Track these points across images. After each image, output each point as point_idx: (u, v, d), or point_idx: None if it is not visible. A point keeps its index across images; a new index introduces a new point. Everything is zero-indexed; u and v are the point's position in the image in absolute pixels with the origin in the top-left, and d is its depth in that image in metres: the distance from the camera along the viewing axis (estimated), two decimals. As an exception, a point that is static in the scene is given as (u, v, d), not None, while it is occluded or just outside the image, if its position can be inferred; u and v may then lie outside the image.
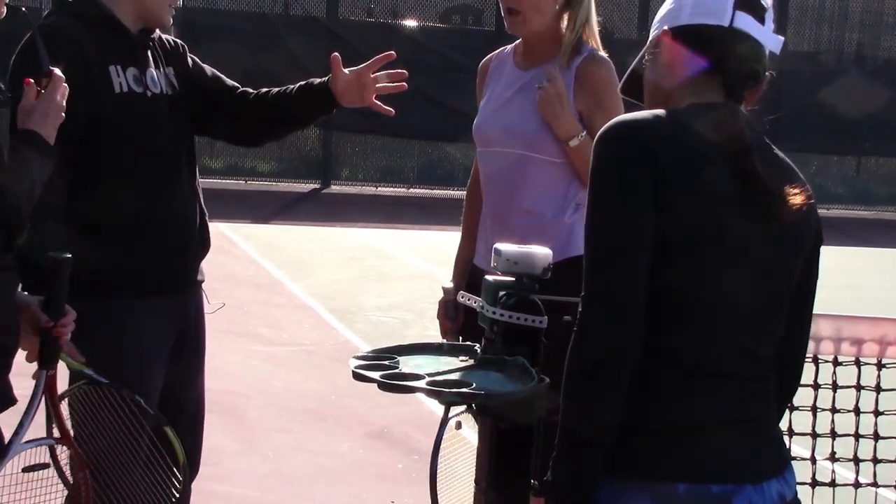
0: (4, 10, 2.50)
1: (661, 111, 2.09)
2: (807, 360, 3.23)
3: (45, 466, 2.81)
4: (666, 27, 2.15)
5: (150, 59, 3.16)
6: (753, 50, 2.12)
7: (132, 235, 3.08)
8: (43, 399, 2.77)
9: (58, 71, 2.62)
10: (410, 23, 16.92)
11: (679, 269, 1.98)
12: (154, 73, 3.14)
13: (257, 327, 7.72)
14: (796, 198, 2.03)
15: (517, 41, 3.58)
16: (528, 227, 3.39)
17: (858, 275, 11.31)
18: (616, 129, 2.04)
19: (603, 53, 3.44)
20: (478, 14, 17.71)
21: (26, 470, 2.77)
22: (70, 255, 2.76)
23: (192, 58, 3.34)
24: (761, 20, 2.13)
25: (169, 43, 3.29)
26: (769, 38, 2.14)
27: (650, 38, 2.19)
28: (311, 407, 6.15)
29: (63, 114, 2.62)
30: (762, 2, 2.16)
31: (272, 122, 3.39)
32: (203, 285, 3.35)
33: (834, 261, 12.61)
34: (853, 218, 16.69)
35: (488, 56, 3.66)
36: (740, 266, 2.01)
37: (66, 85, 2.63)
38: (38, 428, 2.80)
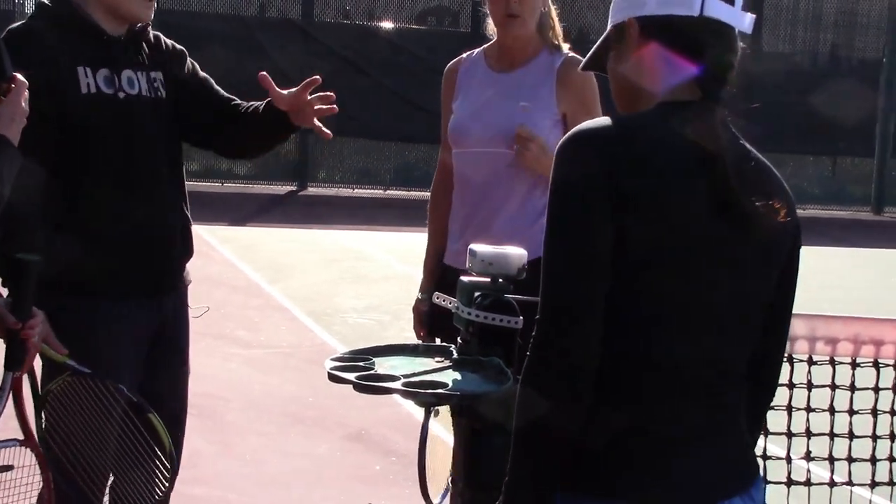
0: None
1: (625, 116, 2.00)
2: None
3: (8, 468, 2.80)
4: (630, 17, 2.01)
5: (132, 61, 3.13)
6: (728, 39, 2.00)
7: (106, 237, 3.07)
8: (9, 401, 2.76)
9: (20, 76, 2.62)
10: (386, 24, 16.92)
11: (649, 279, 1.89)
12: (133, 74, 3.11)
13: (235, 330, 7.70)
14: (771, 210, 1.93)
15: (486, 45, 3.63)
16: (506, 226, 3.41)
17: (834, 274, 11.37)
18: (576, 139, 1.93)
19: (576, 55, 3.49)
20: (454, 15, 17.72)
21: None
22: (39, 258, 2.76)
23: (191, 63, 3.31)
24: (730, 0, 2.00)
25: (167, 46, 3.26)
26: (740, 19, 2.01)
27: (610, 25, 2.06)
28: (289, 409, 6.13)
29: (26, 118, 2.62)
30: None
31: (253, 139, 3.35)
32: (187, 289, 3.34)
33: (809, 260, 12.69)
34: (829, 218, 16.80)
35: (455, 60, 3.70)
36: (711, 274, 1.91)
37: (27, 91, 2.63)
38: (8, 431, 2.80)
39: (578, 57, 3.48)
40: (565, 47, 3.56)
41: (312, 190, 16.19)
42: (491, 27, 3.60)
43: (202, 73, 3.34)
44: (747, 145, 2.03)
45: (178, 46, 3.33)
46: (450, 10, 17.80)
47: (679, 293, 1.90)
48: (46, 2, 3.14)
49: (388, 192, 16.39)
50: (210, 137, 3.35)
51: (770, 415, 3.28)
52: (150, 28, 3.23)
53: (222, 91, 3.36)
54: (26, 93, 2.62)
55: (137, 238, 3.10)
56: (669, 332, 1.91)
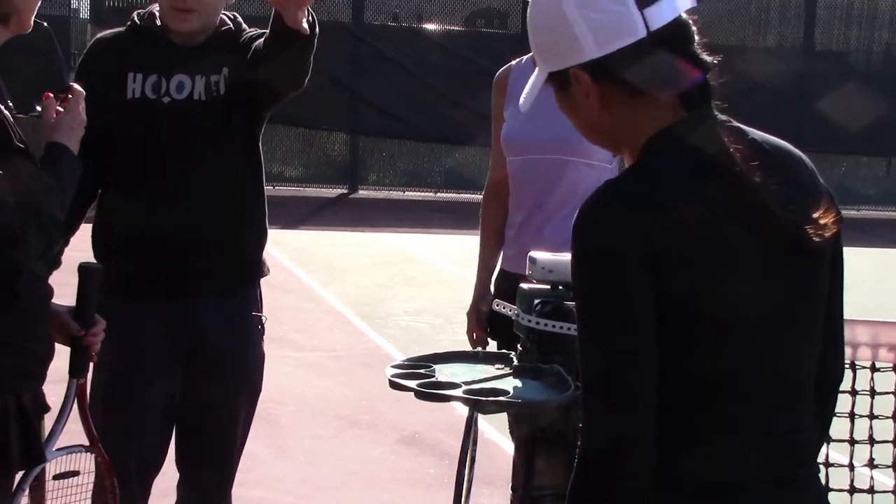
0: (32, 23, 2.53)
1: (636, 171, 1.78)
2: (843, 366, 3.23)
3: (74, 474, 2.84)
4: (572, 67, 1.78)
5: (190, 65, 3.13)
6: (683, 35, 1.77)
7: (124, 237, 3.12)
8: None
9: (77, 86, 2.68)
10: (435, 27, 16.95)
11: (701, 337, 1.73)
12: (185, 79, 3.12)
13: (288, 333, 7.74)
14: (823, 223, 1.75)
15: None
16: (561, 232, 3.40)
17: (890, 277, 11.22)
18: (595, 214, 1.72)
19: None
20: (503, 17, 17.72)
21: (56, 477, 2.82)
22: (101, 266, 2.80)
23: (248, 36, 3.16)
24: None
25: (245, 38, 3.19)
26: (682, 1, 1.78)
27: (544, 72, 1.84)
28: (343, 412, 6.16)
29: (84, 127, 2.67)
30: None
31: (268, 63, 3.01)
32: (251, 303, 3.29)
33: (864, 263, 12.56)
34: (884, 219, 16.58)
35: (504, 68, 3.69)
36: (773, 332, 1.77)
37: (83, 101, 2.68)
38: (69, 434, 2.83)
39: None
40: None
41: (363, 193, 16.24)
42: None
43: (258, 37, 3.13)
44: (765, 140, 1.83)
45: (258, 32, 3.20)
46: (499, 11, 17.81)
47: (736, 347, 1.75)
48: (135, 18, 3.23)
49: (438, 194, 16.41)
50: (261, 88, 3.13)
51: (832, 421, 3.25)
52: (234, 29, 3.21)
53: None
54: (83, 102, 2.67)
55: (153, 239, 3.11)
56: (735, 388, 1.76)
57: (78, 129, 2.64)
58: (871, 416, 3.28)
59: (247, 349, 3.27)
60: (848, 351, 3.22)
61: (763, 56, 17.41)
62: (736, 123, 1.81)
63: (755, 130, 1.84)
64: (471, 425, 2.50)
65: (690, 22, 1.79)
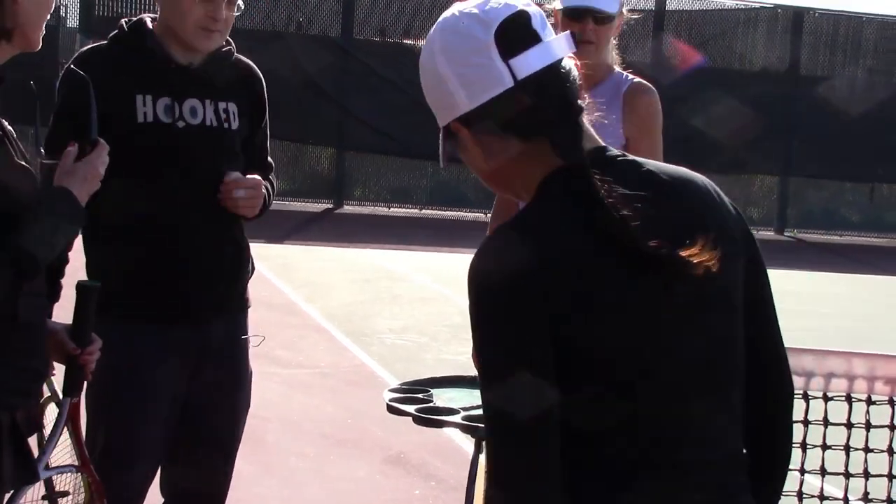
0: (40, 42, 2.48)
1: (521, 220, 1.77)
2: (840, 398, 3.23)
3: (64, 494, 2.81)
4: (452, 122, 1.83)
5: (200, 89, 3.11)
6: (555, 82, 1.77)
7: (135, 258, 3.07)
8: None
9: (103, 141, 2.64)
10: (423, 42, 16.96)
11: (603, 377, 1.70)
12: (197, 103, 3.09)
13: (273, 349, 7.70)
14: (693, 261, 1.69)
15: None
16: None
17: (873, 303, 11.27)
18: (488, 279, 1.71)
19: (643, 81, 3.50)
20: (491, 35, 17.75)
21: (46, 498, 2.78)
22: (98, 284, 2.76)
23: (265, 122, 3.35)
24: (535, 39, 1.77)
25: (247, 73, 3.26)
26: (554, 49, 1.78)
27: (440, 126, 1.88)
28: (328, 431, 6.12)
29: (100, 182, 2.62)
30: (524, 22, 1.78)
31: None
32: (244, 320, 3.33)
33: (848, 288, 12.63)
34: (866, 245, 16.68)
35: None
36: (669, 341, 1.73)
37: (107, 157, 2.64)
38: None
39: (645, 83, 3.50)
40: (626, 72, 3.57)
41: (349, 208, 16.22)
42: None
43: (265, 132, 3.38)
44: (663, 172, 1.81)
45: (255, 75, 3.29)
46: (487, 29, 17.83)
47: (639, 380, 1.71)
48: (124, 26, 3.14)
49: (423, 211, 16.41)
50: None
51: (828, 454, 3.25)
52: (232, 54, 3.21)
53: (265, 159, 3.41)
54: (106, 158, 2.63)
55: (164, 263, 3.08)
56: (656, 423, 1.72)
57: (92, 182, 2.57)
58: (867, 450, 3.27)
59: (243, 370, 3.30)
60: (844, 383, 3.23)
61: (749, 80, 17.51)
62: (631, 157, 1.82)
63: (655, 162, 1.83)
64: (478, 454, 2.48)
65: (571, 66, 1.80)
